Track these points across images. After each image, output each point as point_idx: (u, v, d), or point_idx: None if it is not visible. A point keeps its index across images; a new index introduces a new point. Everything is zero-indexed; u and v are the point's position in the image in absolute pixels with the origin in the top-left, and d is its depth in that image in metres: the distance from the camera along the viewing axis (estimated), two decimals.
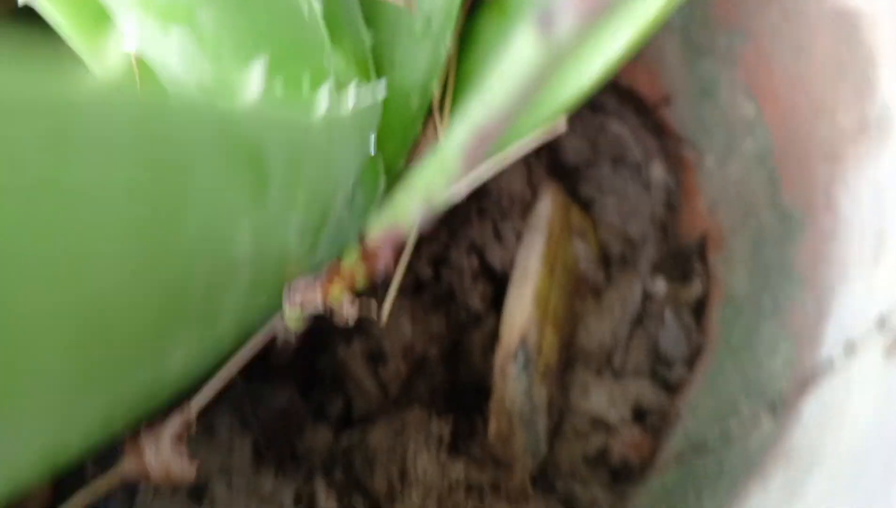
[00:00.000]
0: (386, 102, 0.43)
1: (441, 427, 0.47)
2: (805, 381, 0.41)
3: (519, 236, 0.57)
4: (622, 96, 0.61)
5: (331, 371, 0.52)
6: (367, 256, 0.24)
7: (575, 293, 0.57)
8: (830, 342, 0.41)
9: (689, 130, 0.58)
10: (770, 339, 0.47)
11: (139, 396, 0.22)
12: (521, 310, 0.52)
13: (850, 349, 0.39)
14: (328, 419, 0.50)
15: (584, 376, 0.54)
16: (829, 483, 0.35)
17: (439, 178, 0.20)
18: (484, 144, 0.18)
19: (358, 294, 0.41)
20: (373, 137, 0.34)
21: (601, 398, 0.52)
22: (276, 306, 0.32)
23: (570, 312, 0.56)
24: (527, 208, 0.58)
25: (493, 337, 0.55)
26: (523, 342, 0.50)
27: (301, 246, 0.26)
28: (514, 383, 0.50)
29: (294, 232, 0.25)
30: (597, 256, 0.58)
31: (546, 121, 0.45)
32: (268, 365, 0.50)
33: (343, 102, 0.28)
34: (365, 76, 0.38)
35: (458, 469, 0.45)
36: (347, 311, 0.39)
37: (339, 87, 0.29)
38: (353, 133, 0.29)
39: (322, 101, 0.26)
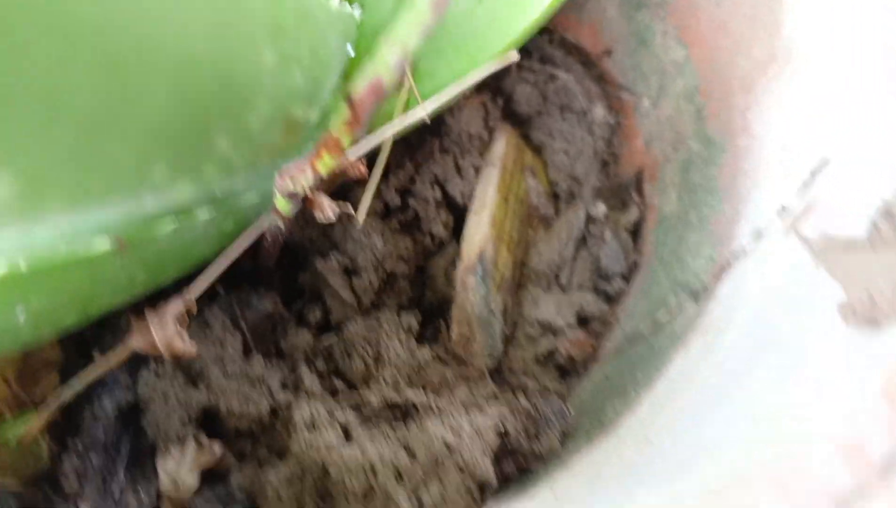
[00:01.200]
0: (357, 39, 0.49)
1: (409, 319, 0.53)
2: (722, 269, 0.48)
3: (478, 172, 0.63)
4: (568, 50, 0.68)
5: (310, 285, 0.58)
6: (353, 108, 0.30)
7: (527, 222, 0.63)
8: (742, 236, 0.48)
9: (628, 77, 0.65)
10: (695, 246, 0.54)
11: (194, 163, 0.28)
12: (479, 230, 0.59)
13: (758, 235, 0.46)
14: (308, 325, 0.56)
15: (534, 291, 0.61)
16: (737, 338, 0.42)
17: (414, 27, 0.26)
18: None
19: (335, 198, 0.47)
20: (350, 48, 0.40)
21: (549, 308, 0.59)
22: (275, 164, 0.38)
23: (523, 237, 0.62)
24: (485, 146, 0.64)
25: (454, 263, 0.62)
26: (481, 256, 0.57)
27: (302, 99, 0.32)
28: (474, 291, 0.56)
29: (299, 80, 0.31)
30: (546, 191, 0.65)
31: (499, 54, 0.52)
32: (254, 275, 0.56)
33: None
34: None
35: (425, 353, 0.51)
36: (328, 208, 0.45)
37: None
38: (337, 27, 0.35)
39: None
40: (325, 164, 0.35)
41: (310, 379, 0.50)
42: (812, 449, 0.26)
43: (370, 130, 0.51)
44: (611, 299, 0.60)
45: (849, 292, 0.30)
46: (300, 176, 0.39)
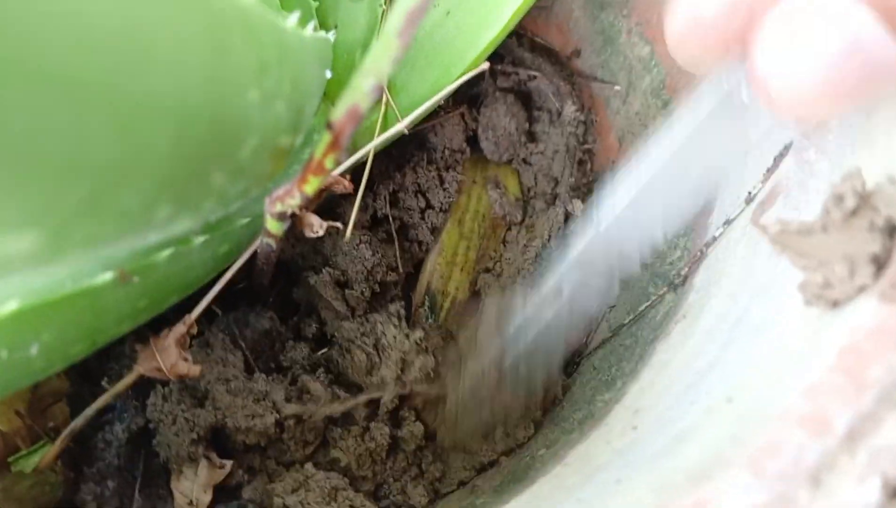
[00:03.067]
0: (333, 57, 0.51)
1: (397, 308, 0.56)
2: (696, 259, 0.50)
3: (460, 186, 0.65)
4: (539, 52, 0.70)
5: (304, 300, 0.60)
6: (333, 134, 0.32)
7: (492, 234, 0.66)
8: (714, 226, 0.50)
9: (598, 75, 0.67)
10: (671, 238, 0.56)
11: (194, 201, 0.30)
12: (428, 263, 0.62)
13: (728, 223, 0.48)
14: (305, 339, 0.58)
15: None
16: (711, 323, 0.44)
17: (383, 57, 0.28)
18: (412, 24, 0.26)
19: (324, 210, 0.49)
20: (328, 72, 0.42)
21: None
22: (265, 189, 0.40)
23: (486, 250, 0.65)
24: (466, 159, 0.66)
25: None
26: (428, 288, 0.60)
27: (287, 129, 0.34)
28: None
29: (283, 111, 0.33)
30: (513, 198, 0.67)
31: (471, 65, 0.54)
32: (250, 295, 0.58)
33: (306, 27, 0.36)
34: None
35: (418, 334, 0.54)
36: (317, 225, 0.48)
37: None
38: (314, 54, 0.37)
39: (292, 19, 0.34)
40: (311, 185, 0.37)
41: (314, 387, 0.52)
42: (782, 426, 0.28)
43: (353, 143, 0.54)
44: None
45: (806, 275, 0.32)
46: (288, 198, 0.41)
